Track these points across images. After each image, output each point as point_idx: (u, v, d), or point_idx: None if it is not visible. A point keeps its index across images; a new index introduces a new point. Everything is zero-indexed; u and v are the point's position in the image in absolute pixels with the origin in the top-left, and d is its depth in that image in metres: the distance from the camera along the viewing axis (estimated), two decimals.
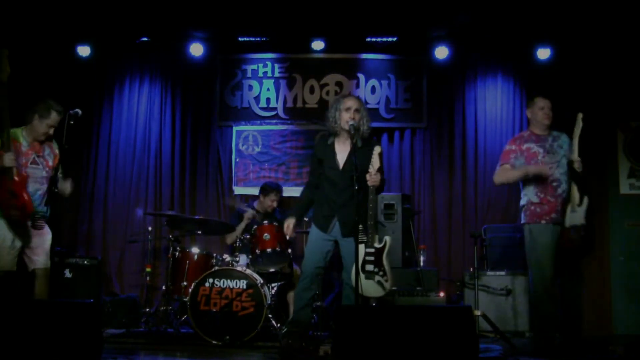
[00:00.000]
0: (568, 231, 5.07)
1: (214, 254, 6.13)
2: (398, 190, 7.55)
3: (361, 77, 7.99)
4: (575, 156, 5.11)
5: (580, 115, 5.17)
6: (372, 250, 4.72)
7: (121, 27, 7.64)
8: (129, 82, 8.08)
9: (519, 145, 5.37)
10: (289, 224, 4.99)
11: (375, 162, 4.71)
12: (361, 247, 4.61)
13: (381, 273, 4.70)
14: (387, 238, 4.79)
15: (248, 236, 6.08)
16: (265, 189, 6.86)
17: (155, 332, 6.03)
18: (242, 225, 6.57)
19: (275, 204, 6.84)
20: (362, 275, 4.60)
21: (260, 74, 8.03)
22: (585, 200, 5.06)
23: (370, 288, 4.65)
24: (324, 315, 6.15)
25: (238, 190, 7.90)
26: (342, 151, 4.97)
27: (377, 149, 4.75)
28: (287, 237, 5.20)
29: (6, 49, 5.03)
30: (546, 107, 5.37)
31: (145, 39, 7.90)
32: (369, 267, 4.67)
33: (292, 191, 7.51)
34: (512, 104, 7.89)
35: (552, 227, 5.11)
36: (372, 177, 4.70)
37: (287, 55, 8.05)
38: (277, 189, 6.89)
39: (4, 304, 3.94)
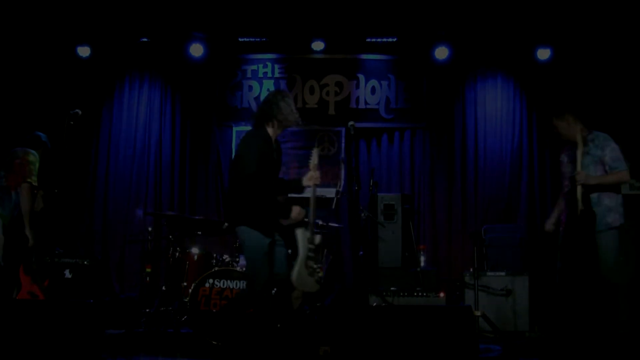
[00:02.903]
0: None
1: (214, 254, 6.12)
2: (398, 191, 7.56)
3: (361, 77, 8.00)
4: (577, 169, 5.05)
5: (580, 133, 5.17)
6: (313, 247, 4.71)
7: (121, 27, 7.65)
8: (129, 82, 8.08)
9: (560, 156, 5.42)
10: (298, 209, 4.80)
11: (315, 160, 4.65)
12: (305, 243, 4.60)
13: (318, 270, 4.69)
14: (318, 236, 4.77)
15: None
16: None
17: (155, 332, 6.02)
18: None
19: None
20: (306, 272, 4.58)
21: (260, 75, 8.04)
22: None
23: (310, 283, 4.63)
24: (324, 315, 6.14)
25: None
26: (275, 145, 4.79)
27: (317, 149, 4.72)
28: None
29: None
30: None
31: (145, 39, 7.90)
32: (311, 264, 4.66)
33: None
34: (512, 104, 7.90)
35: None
36: (315, 176, 4.63)
37: (287, 55, 8.05)
38: None
39: (4, 304, 3.94)
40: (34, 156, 5.57)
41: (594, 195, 5.07)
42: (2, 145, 6.02)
